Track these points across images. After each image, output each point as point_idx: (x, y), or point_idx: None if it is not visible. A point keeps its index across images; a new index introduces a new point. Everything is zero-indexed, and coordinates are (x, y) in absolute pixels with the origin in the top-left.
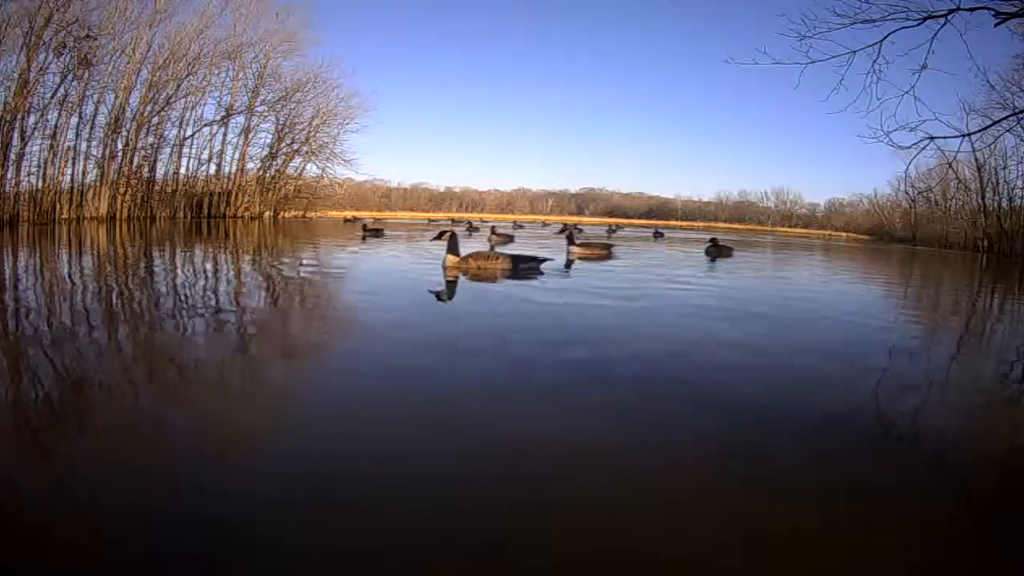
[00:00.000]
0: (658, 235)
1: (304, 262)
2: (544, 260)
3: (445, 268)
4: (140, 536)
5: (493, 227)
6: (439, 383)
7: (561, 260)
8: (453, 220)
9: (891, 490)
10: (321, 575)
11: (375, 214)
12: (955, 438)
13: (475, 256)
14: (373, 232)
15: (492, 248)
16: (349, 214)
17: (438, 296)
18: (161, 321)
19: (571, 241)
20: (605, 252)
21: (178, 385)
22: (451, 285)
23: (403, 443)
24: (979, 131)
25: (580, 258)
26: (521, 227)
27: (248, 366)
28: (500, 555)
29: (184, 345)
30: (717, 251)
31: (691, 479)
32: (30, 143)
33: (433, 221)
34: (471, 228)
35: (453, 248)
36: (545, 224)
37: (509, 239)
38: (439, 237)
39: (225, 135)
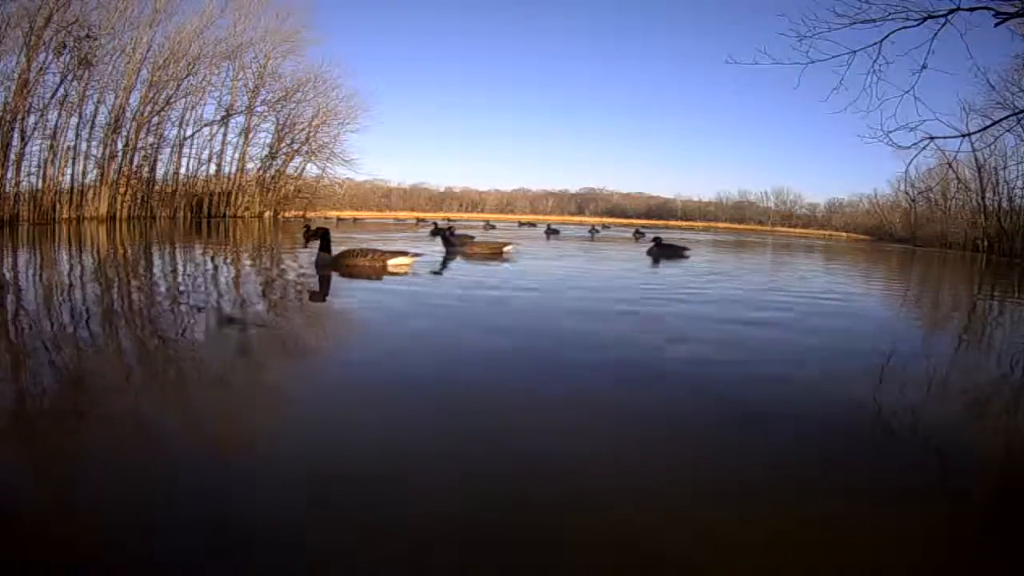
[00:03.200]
0: (639, 235)
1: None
2: (416, 255)
3: (318, 266)
4: (140, 536)
5: (451, 228)
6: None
7: (430, 256)
8: (419, 220)
9: (892, 490)
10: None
11: (374, 214)
12: (956, 438)
13: (344, 254)
14: (316, 234)
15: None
16: (305, 213)
17: (311, 295)
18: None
19: (446, 242)
20: (492, 252)
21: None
22: (323, 282)
23: None
24: (979, 131)
25: (463, 257)
26: (493, 227)
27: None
28: (501, 556)
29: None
30: (660, 252)
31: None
32: (30, 143)
33: (400, 220)
34: (437, 229)
35: (326, 246)
36: (521, 224)
37: (470, 240)
38: (314, 235)
39: (225, 135)
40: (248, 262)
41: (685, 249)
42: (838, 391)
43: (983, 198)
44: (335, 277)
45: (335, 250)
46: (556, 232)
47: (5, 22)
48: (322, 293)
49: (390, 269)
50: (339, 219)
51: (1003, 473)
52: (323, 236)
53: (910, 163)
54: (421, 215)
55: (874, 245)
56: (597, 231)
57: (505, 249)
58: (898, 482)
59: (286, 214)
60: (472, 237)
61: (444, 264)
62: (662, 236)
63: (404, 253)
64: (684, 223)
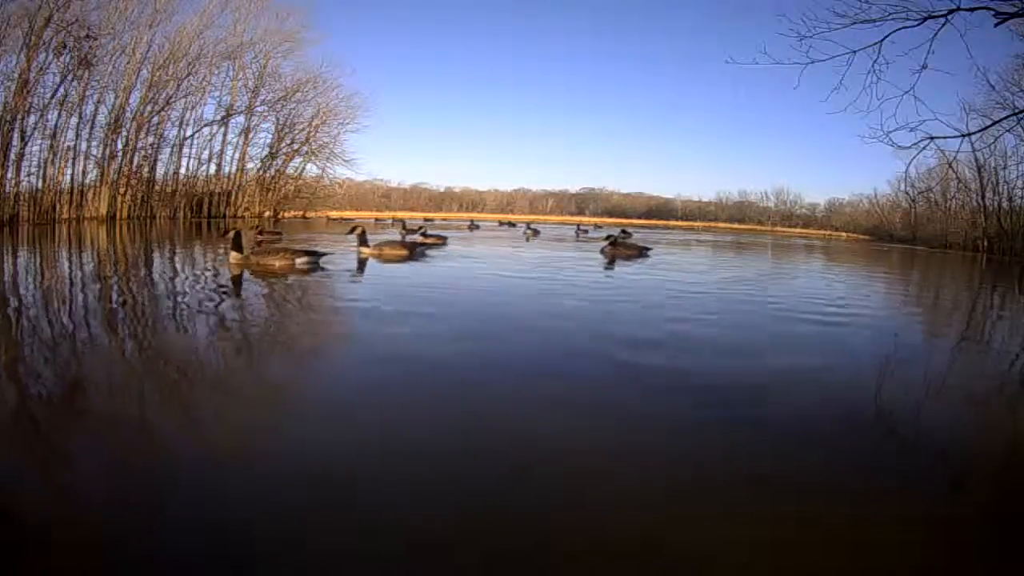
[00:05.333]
0: (625, 235)
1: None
2: (324, 255)
3: (229, 264)
4: (140, 537)
5: (423, 229)
6: None
7: (342, 256)
8: (394, 219)
9: (891, 490)
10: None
11: (373, 214)
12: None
13: (255, 252)
14: (227, 233)
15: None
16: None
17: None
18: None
19: (362, 242)
20: (407, 252)
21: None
22: (235, 280)
23: None
24: (979, 131)
25: (375, 258)
26: (477, 227)
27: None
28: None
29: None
30: (615, 252)
31: None
32: (30, 143)
33: (380, 220)
34: (407, 230)
35: (237, 246)
36: (500, 223)
37: (442, 240)
38: (224, 234)
39: (225, 135)
40: (183, 260)
41: (646, 248)
42: None
43: (983, 198)
44: (245, 275)
45: (249, 248)
46: (536, 232)
47: (5, 22)
48: (220, 290)
49: (298, 267)
50: (329, 218)
51: None
52: (235, 236)
53: (910, 163)
54: (395, 215)
55: (875, 245)
56: (585, 231)
57: (417, 250)
58: None
59: (286, 214)
60: (445, 238)
61: (359, 265)
62: (623, 233)
63: (314, 252)
64: (684, 223)
